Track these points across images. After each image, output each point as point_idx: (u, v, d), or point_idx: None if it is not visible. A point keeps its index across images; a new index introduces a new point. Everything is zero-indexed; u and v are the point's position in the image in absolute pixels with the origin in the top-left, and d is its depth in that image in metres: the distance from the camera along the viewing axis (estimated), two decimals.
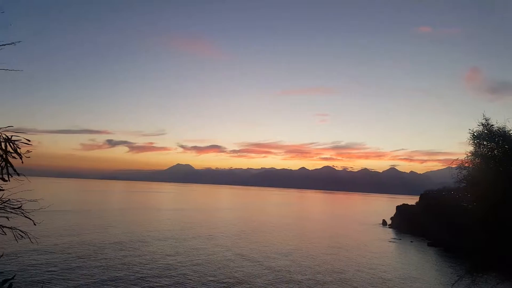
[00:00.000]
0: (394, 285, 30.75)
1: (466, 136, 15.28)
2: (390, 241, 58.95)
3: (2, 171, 4.24)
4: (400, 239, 62.21)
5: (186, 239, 46.73)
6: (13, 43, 4.63)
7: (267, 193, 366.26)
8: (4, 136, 4.22)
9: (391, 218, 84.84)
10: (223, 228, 60.62)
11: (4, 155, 4.18)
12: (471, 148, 15.02)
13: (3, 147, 4.20)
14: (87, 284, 24.89)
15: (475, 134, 14.85)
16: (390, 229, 77.56)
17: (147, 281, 26.83)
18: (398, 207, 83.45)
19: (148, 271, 29.45)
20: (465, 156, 15.13)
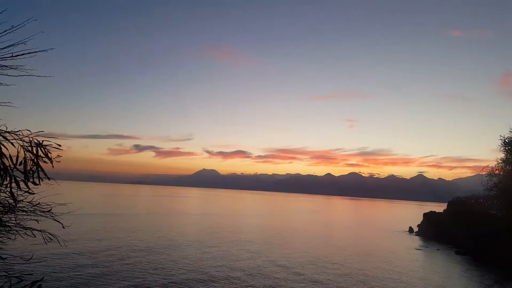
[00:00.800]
0: None
1: (497, 143, 14.64)
2: (416, 249, 56.97)
3: (33, 175, 4.44)
4: (426, 246, 60.03)
5: (213, 244, 47.09)
6: (45, 50, 4.86)
7: (292, 199, 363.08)
8: (35, 141, 4.42)
9: (418, 226, 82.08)
10: (249, 234, 60.65)
11: (35, 160, 4.38)
12: (502, 155, 14.40)
13: (34, 152, 4.39)
14: (115, 284, 25.53)
15: (507, 140, 14.22)
16: (417, 237, 74.97)
17: (176, 284, 27.21)
18: (425, 214, 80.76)
19: (177, 276, 29.87)
20: (496, 163, 14.53)
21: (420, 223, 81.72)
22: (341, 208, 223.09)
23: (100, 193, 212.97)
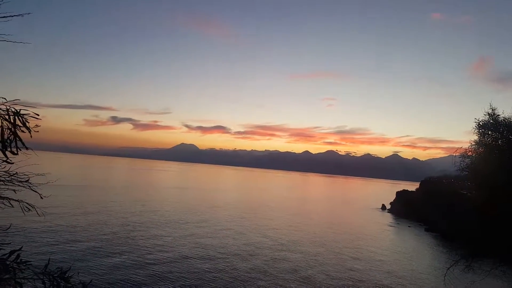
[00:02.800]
0: (390, 267, 31.35)
1: (471, 125, 15.19)
2: (388, 225, 59.64)
3: (10, 145, 4.30)
4: (398, 223, 62.89)
5: (188, 217, 47.50)
6: (21, 14, 4.60)
7: (270, 175, 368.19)
8: (13, 109, 4.25)
9: (391, 203, 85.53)
10: (227, 210, 61.43)
11: (12, 129, 4.23)
12: (475, 137, 14.95)
13: (12, 121, 4.24)
14: (92, 255, 25.59)
15: (481, 123, 14.73)
16: (389, 214, 78.25)
17: (147, 252, 27.52)
18: (398, 193, 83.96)
19: (149, 244, 30.15)
20: (469, 145, 15.08)
21: (392, 201, 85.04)
22: (317, 185, 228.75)
23: (77, 164, 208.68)
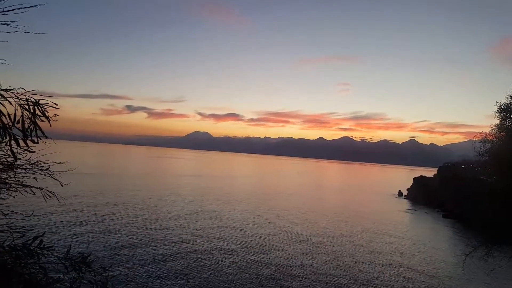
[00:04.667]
0: (407, 254, 31.19)
1: (491, 109, 14.64)
2: (404, 211, 59.10)
3: (31, 134, 4.40)
4: (415, 209, 62.23)
5: (204, 204, 48.19)
6: (37, 5, 4.64)
7: (284, 162, 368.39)
8: (32, 99, 4.33)
9: (407, 189, 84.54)
10: (242, 196, 62.00)
11: (33, 118, 4.31)
12: (496, 121, 14.43)
13: (32, 110, 4.32)
14: (112, 240, 26.37)
15: (502, 107, 14.19)
16: (406, 200, 77.46)
17: (165, 237, 28.16)
18: (415, 179, 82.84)
19: (173, 232, 30.81)
20: (490, 129, 14.58)
21: (409, 187, 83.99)
22: (332, 172, 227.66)
23: (95, 153, 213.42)
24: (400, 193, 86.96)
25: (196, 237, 30.34)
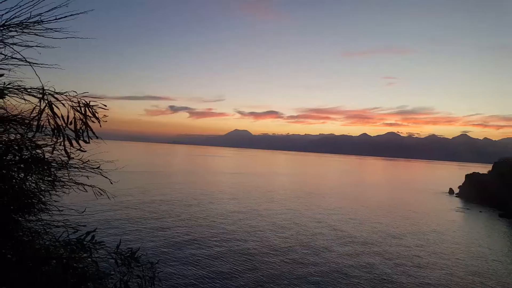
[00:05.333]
0: (459, 255, 29.28)
1: None
2: (456, 210, 55.60)
3: (82, 134, 4.58)
4: (468, 208, 58.34)
5: (248, 200, 48.70)
6: (85, 12, 4.84)
7: (325, 159, 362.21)
8: (83, 101, 4.51)
9: (459, 187, 79.46)
10: (284, 193, 61.89)
11: (84, 119, 4.48)
12: None
13: (83, 112, 4.49)
14: (159, 236, 27.47)
15: None
16: (457, 198, 72.84)
17: (209, 234, 28.81)
18: (467, 176, 77.70)
19: (219, 229, 31.50)
20: None
21: (461, 184, 79.02)
22: (376, 169, 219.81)
23: (141, 152, 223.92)
24: (451, 191, 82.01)
25: (242, 235, 30.68)
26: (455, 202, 66.58)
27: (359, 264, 25.31)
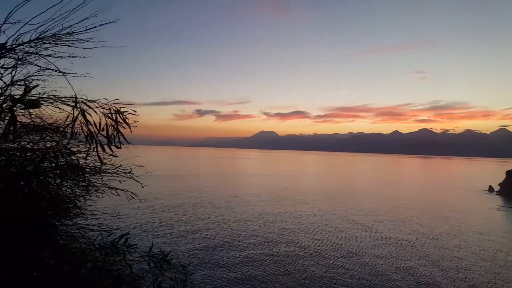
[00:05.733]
0: (505, 257, 27.66)
1: None
2: (497, 209, 52.62)
3: (114, 140, 4.68)
4: (510, 207, 55.06)
5: (279, 202, 48.56)
6: (114, 21, 4.97)
7: (356, 159, 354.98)
8: (114, 108, 4.61)
9: (500, 184, 75.20)
10: (315, 194, 61.21)
11: (115, 125, 4.58)
12: None
13: (114, 118, 4.60)
14: (190, 239, 27.92)
15: None
16: (498, 196, 68.95)
17: (241, 236, 28.93)
18: (508, 172, 73.41)
19: (242, 229, 31.64)
20: None
21: (502, 181, 74.80)
22: (410, 168, 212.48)
23: (169, 156, 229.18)
24: (491, 189, 77.81)
25: (273, 238, 30.55)
26: (495, 200, 63.09)
27: (397, 266, 24.49)
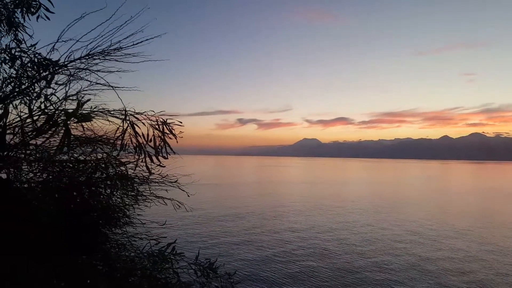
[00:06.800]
0: None
1: None
2: None
3: (161, 150, 4.79)
4: None
5: (326, 212, 47.48)
6: (159, 35, 5.14)
7: (403, 166, 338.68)
8: (161, 120, 4.73)
9: None
10: (361, 203, 59.15)
11: (162, 136, 4.69)
12: None
13: (161, 129, 4.71)
14: (236, 247, 28.03)
15: None
16: None
17: (288, 246, 28.52)
18: None
19: (292, 242, 31.23)
20: None
21: None
22: (461, 174, 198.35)
23: (213, 165, 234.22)
24: None
25: (323, 252, 29.70)
26: None
27: (465, 281, 22.72)
